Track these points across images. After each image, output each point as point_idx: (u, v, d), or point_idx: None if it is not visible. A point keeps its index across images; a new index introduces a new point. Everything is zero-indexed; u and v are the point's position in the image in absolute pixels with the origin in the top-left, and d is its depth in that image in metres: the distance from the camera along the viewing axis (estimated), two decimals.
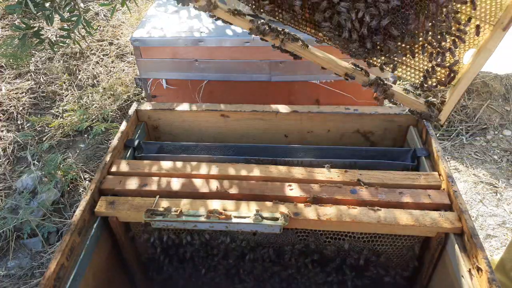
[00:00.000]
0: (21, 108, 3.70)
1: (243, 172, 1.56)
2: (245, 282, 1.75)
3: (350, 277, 1.62)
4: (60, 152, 3.28)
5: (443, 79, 1.42)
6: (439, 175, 1.53)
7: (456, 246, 1.33)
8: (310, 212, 1.40)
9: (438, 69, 1.41)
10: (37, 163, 3.19)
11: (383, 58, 1.42)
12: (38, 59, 4.22)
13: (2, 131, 3.49)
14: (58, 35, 4.10)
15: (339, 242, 1.52)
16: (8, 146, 3.33)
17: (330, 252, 1.55)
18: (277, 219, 1.37)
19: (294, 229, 1.50)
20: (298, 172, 1.55)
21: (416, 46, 1.37)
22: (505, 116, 3.61)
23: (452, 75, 1.40)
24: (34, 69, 4.11)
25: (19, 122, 3.58)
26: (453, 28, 1.30)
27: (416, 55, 1.39)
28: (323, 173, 1.55)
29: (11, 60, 4.02)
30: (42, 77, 4.01)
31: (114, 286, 1.65)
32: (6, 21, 4.74)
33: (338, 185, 1.50)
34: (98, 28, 4.57)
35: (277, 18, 1.44)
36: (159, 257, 1.67)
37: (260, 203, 1.44)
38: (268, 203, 1.44)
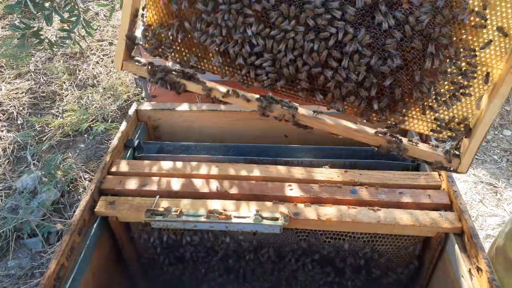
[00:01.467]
0: (21, 108, 3.70)
1: (243, 172, 1.55)
2: (245, 282, 1.75)
3: (350, 277, 1.62)
4: (60, 152, 3.28)
5: (457, 129, 1.30)
6: (439, 175, 1.53)
7: (456, 246, 1.33)
8: (310, 212, 1.40)
9: (449, 117, 1.30)
10: (37, 163, 3.19)
11: (392, 119, 1.33)
12: (38, 59, 4.22)
13: (2, 131, 3.49)
14: (57, 36, 4.10)
15: (339, 242, 1.52)
16: (8, 146, 3.33)
17: (330, 252, 1.55)
18: (277, 219, 1.37)
19: (294, 229, 1.50)
20: (298, 172, 1.55)
21: (425, 99, 1.28)
22: (505, 116, 3.61)
23: (465, 124, 1.28)
24: (34, 69, 4.11)
25: (19, 122, 3.58)
26: (460, 78, 1.22)
27: (427, 111, 1.30)
28: (323, 173, 1.55)
29: (11, 60, 4.02)
30: (42, 77, 4.01)
31: (114, 286, 1.65)
32: (6, 21, 4.74)
33: (338, 185, 1.50)
34: (98, 28, 4.57)
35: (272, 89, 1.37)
36: (159, 257, 1.67)
37: (260, 203, 1.44)
38: (268, 203, 1.44)
